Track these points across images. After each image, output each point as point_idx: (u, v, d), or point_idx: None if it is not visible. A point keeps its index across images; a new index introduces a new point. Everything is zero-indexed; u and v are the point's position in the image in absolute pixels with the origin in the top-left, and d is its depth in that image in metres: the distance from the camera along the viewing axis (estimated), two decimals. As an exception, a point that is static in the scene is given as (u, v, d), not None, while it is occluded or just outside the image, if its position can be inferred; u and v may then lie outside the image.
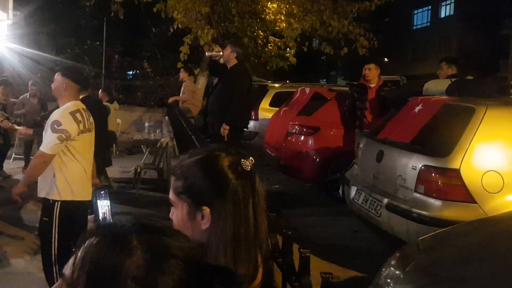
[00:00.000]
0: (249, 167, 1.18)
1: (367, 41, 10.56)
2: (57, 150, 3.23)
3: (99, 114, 5.14)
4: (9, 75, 8.93)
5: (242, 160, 1.18)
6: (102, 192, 1.28)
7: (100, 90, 7.90)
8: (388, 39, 27.46)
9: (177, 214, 1.18)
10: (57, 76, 3.38)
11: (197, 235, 1.13)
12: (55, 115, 3.28)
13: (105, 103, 7.27)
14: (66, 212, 3.32)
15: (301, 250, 1.39)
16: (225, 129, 5.47)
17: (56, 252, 3.39)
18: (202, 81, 12.05)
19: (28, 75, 11.30)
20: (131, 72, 23.56)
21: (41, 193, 3.39)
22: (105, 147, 5.64)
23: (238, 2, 11.59)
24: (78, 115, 3.31)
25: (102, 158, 5.44)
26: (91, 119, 3.51)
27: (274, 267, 1.58)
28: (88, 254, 0.72)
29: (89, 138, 3.48)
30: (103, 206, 1.24)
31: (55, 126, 3.19)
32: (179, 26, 10.53)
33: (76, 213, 3.44)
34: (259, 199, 1.18)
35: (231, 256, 1.11)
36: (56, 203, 3.30)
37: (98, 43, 18.08)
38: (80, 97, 5.45)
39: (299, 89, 7.49)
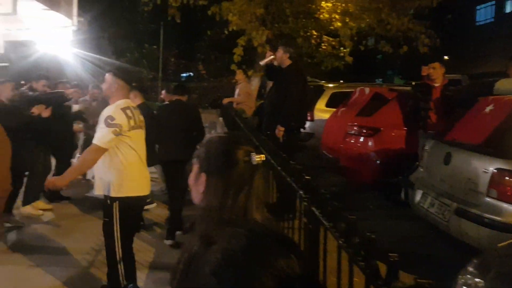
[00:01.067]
0: (255, 162, 1.38)
1: (428, 39, 10.15)
2: (110, 144, 3.30)
3: (193, 115, 5.55)
4: (72, 79, 9.29)
5: (253, 153, 1.38)
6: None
7: (164, 91, 8.09)
8: (449, 36, 26.34)
9: (192, 174, 1.43)
10: (108, 77, 3.49)
11: (198, 195, 1.39)
12: (107, 111, 3.36)
13: (159, 104, 7.53)
14: (125, 210, 3.39)
15: (390, 254, 1.30)
16: (280, 131, 5.42)
17: (121, 251, 3.46)
18: (255, 82, 12.06)
19: (90, 79, 11.79)
20: (184, 75, 24.12)
21: (99, 191, 3.47)
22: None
23: (292, 2, 11.51)
24: (128, 111, 3.39)
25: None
26: (141, 117, 3.59)
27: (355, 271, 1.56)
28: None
29: (140, 135, 3.55)
30: None
31: (109, 121, 3.27)
32: (234, 28, 10.63)
33: (136, 208, 3.55)
34: (254, 191, 1.37)
35: (214, 222, 1.25)
36: (114, 202, 3.37)
37: (155, 46, 18.61)
38: (167, 101, 5.64)
39: (358, 89, 7.30)
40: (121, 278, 3.52)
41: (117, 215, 3.37)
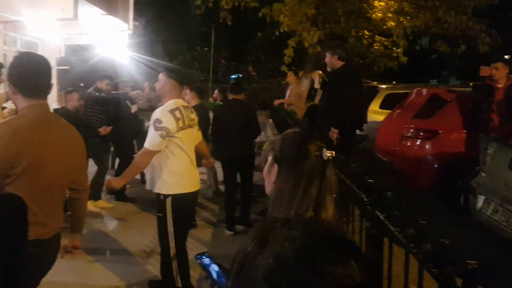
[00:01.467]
0: (326, 157, 1.42)
1: (489, 38, 9.69)
2: (160, 147, 3.39)
3: (249, 113, 5.79)
4: (127, 81, 9.56)
5: (324, 148, 1.43)
6: (205, 256, 1.31)
7: (216, 91, 8.21)
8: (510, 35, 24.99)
9: (267, 164, 1.51)
10: (162, 77, 3.56)
11: (268, 186, 1.49)
12: (156, 114, 3.43)
13: (216, 103, 7.64)
14: (178, 206, 3.47)
15: (468, 262, 1.23)
16: (334, 133, 5.32)
17: (174, 246, 3.53)
18: (305, 84, 11.98)
19: (143, 81, 12.14)
20: (233, 76, 24.38)
21: (152, 188, 3.57)
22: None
23: (344, 2, 11.34)
24: (177, 112, 3.44)
25: None
26: (192, 115, 3.65)
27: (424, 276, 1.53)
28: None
29: (190, 134, 3.60)
30: (214, 268, 1.25)
31: (157, 124, 3.35)
32: (285, 29, 10.60)
33: (187, 205, 3.61)
34: (326, 185, 1.41)
35: (283, 212, 1.35)
36: (167, 198, 3.46)
37: (206, 49, 18.91)
38: (193, 104, 5.76)
39: (415, 90, 7.06)
40: (174, 273, 3.58)
41: (170, 210, 3.46)
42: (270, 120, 11.44)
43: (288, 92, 8.39)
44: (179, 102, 3.58)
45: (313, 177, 1.40)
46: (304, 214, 1.34)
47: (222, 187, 7.67)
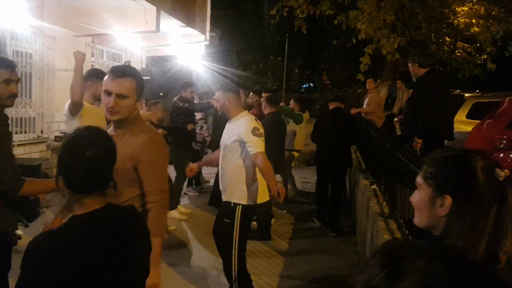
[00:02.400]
0: (502, 178, 1.23)
1: None
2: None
3: (349, 121, 6.47)
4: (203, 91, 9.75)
5: (497, 168, 1.24)
6: None
7: (292, 101, 8.20)
8: None
9: (419, 196, 1.33)
10: (219, 95, 3.66)
11: (432, 219, 1.29)
12: (248, 125, 3.50)
13: (297, 112, 7.62)
14: (247, 214, 3.54)
15: None
16: (417, 143, 5.02)
17: (237, 253, 3.55)
18: (383, 92, 11.55)
19: (217, 90, 12.35)
20: (305, 85, 24.21)
21: (226, 198, 3.62)
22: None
23: (425, 8, 10.83)
24: (257, 124, 3.58)
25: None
26: (260, 123, 3.70)
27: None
28: None
29: (263, 143, 3.63)
30: None
31: (257, 131, 3.48)
32: (363, 36, 10.31)
33: (257, 213, 3.74)
34: (507, 210, 1.23)
35: (468, 246, 1.20)
36: (238, 206, 3.51)
37: (280, 58, 18.97)
38: (267, 112, 5.83)
39: (507, 99, 6.50)
40: (233, 279, 3.61)
41: (239, 218, 3.52)
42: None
43: (366, 101, 8.09)
44: (248, 113, 3.71)
45: (492, 205, 1.23)
46: (476, 246, 1.21)
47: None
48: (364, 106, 8.19)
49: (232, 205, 3.56)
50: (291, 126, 7.45)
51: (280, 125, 6.10)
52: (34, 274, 1.39)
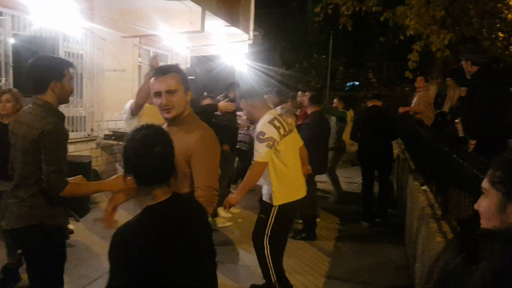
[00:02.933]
0: None
1: None
2: (268, 157, 3.49)
3: (389, 119, 6.52)
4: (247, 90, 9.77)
5: None
6: None
7: (335, 99, 8.11)
8: None
9: (487, 202, 1.24)
10: (242, 104, 3.77)
11: (502, 225, 1.17)
12: (258, 128, 3.57)
13: (340, 110, 7.56)
14: (282, 212, 3.58)
15: None
16: (470, 144, 4.79)
17: (268, 246, 3.62)
18: (432, 90, 11.16)
19: (260, 89, 12.35)
20: (349, 84, 23.82)
21: (264, 197, 3.70)
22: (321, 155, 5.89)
23: (477, 2, 10.37)
24: (276, 122, 3.54)
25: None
26: (289, 120, 3.73)
27: None
28: None
29: (292, 140, 3.66)
30: None
31: (261, 136, 3.47)
32: (411, 33, 10.01)
33: (291, 211, 3.68)
34: None
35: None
36: (274, 207, 3.56)
37: (324, 56, 18.76)
38: (310, 111, 5.78)
39: None
40: (271, 273, 3.68)
41: (274, 215, 3.58)
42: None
43: (415, 100, 7.80)
44: (272, 112, 3.67)
45: None
46: None
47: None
48: (413, 104, 7.91)
49: (269, 203, 3.63)
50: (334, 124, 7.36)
51: (323, 124, 6.02)
52: (121, 263, 1.54)
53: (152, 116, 3.98)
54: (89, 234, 5.33)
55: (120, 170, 8.14)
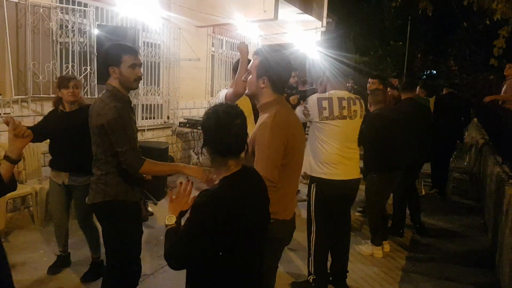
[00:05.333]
0: None
1: None
2: (301, 120, 3.45)
3: (421, 113, 5.53)
4: (318, 77, 9.57)
5: None
6: None
7: (418, 87, 7.79)
8: None
9: None
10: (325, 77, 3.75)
11: None
12: (321, 94, 3.62)
13: (424, 97, 7.33)
14: (321, 191, 3.53)
15: None
16: None
17: (315, 230, 3.61)
18: (520, 78, 10.30)
19: (333, 77, 12.03)
20: (426, 72, 22.61)
21: (304, 169, 3.59)
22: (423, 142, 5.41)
23: None
24: (344, 102, 3.50)
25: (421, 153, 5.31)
26: (355, 107, 3.57)
27: None
28: None
29: (350, 124, 3.55)
30: None
31: (305, 103, 3.60)
32: (498, 17, 9.25)
33: (333, 193, 3.53)
34: None
35: None
36: (313, 183, 3.55)
37: (401, 43, 17.91)
38: (403, 97, 5.50)
39: None
40: (310, 262, 3.68)
41: (313, 195, 3.56)
42: (475, 120, 10.29)
43: (504, 88, 7.24)
44: (339, 93, 3.58)
45: None
46: None
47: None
48: (502, 93, 7.35)
49: (309, 181, 3.63)
50: None
51: (419, 111, 5.53)
52: (199, 223, 1.67)
53: (244, 104, 4.01)
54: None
55: (194, 157, 8.35)
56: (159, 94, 7.72)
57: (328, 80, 3.68)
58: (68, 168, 3.72)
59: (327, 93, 3.60)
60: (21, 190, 4.91)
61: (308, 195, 3.63)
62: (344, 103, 3.52)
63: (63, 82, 3.69)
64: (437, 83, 16.53)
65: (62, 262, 4.04)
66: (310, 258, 3.68)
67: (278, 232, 2.27)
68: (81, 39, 5.82)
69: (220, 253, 1.68)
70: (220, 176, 1.80)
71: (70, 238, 4.12)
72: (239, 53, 3.78)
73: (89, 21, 5.93)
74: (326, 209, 3.60)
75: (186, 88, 8.14)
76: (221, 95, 3.85)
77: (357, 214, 6.01)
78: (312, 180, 3.57)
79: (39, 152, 5.41)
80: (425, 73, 22.47)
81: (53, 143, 3.81)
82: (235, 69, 3.80)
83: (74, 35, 5.71)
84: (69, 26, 5.64)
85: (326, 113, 3.47)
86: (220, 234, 1.65)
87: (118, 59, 2.58)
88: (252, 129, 4.05)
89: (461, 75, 16.31)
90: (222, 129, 1.75)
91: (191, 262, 1.75)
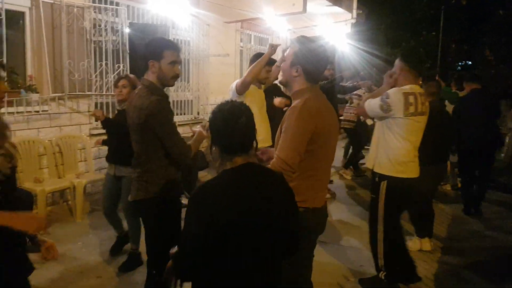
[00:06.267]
0: None
1: None
2: (372, 114, 3.53)
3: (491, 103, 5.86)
4: (346, 70, 9.44)
5: None
6: None
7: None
8: None
9: None
10: (397, 62, 3.58)
11: None
12: (390, 90, 3.45)
13: (453, 91, 7.28)
14: (391, 190, 3.43)
15: None
16: None
17: (382, 231, 3.50)
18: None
19: (363, 69, 11.87)
20: (461, 63, 21.92)
21: (369, 165, 3.65)
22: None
23: None
24: (411, 97, 3.37)
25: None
26: (426, 103, 3.51)
27: None
28: None
29: (422, 121, 3.47)
30: None
31: (384, 97, 3.40)
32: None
33: (403, 190, 3.46)
34: None
35: None
36: (383, 181, 3.44)
37: (434, 33, 17.44)
38: (470, 88, 5.52)
39: None
40: (379, 260, 3.58)
41: (383, 193, 3.46)
42: (512, 111, 10.00)
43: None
44: (415, 88, 3.50)
45: None
46: None
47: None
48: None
49: (377, 179, 3.52)
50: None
51: (480, 102, 5.76)
52: (195, 215, 1.67)
53: (256, 97, 4.15)
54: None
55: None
56: (189, 90, 7.83)
57: (401, 73, 3.52)
58: (115, 160, 4.03)
59: (407, 87, 3.45)
60: (59, 184, 5.17)
61: (374, 193, 3.54)
62: (422, 99, 3.47)
63: (115, 81, 4.02)
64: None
65: (121, 241, 4.32)
66: (379, 253, 3.58)
67: (309, 221, 2.27)
68: (114, 38, 5.97)
69: (214, 243, 1.65)
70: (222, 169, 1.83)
71: (109, 230, 4.36)
72: (267, 48, 3.85)
73: (121, 19, 6.07)
74: (397, 207, 3.56)
75: (215, 84, 8.23)
76: (233, 86, 3.96)
77: None
78: (382, 178, 3.47)
79: (75, 148, 5.61)
80: (460, 63, 21.83)
81: (107, 138, 4.32)
82: (251, 62, 3.92)
83: (107, 33, 5.86)
84: (102, 25, 5.79)
85: (412, 109, 3.37)
86: (210, 225, 1.63)
87: (160, 53, 2.56)
88: (264, 122, 4.05)
89: (498, 65, 15.75)
90: (228, 128, 1.76)
91: (195, 265, 1.72)
